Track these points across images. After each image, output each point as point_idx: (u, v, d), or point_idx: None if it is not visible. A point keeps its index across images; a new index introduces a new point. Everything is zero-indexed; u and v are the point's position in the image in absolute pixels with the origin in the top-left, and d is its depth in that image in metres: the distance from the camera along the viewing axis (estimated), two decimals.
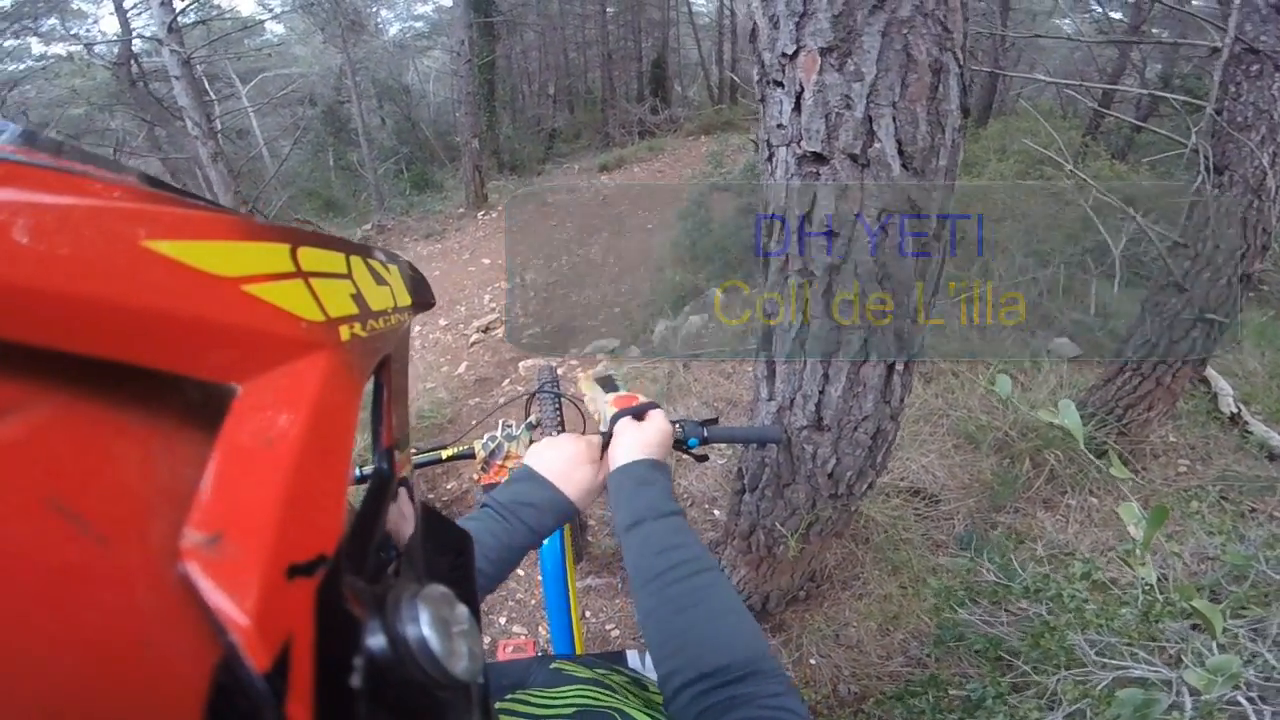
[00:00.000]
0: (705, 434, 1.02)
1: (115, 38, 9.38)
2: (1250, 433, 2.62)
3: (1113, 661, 1.09)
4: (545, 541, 1.19)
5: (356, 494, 0.26)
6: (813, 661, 1.71)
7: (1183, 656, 1.01)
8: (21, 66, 10.31)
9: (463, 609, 0.25)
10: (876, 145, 0.93)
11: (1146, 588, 1.04)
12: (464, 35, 8.64)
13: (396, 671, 0.21)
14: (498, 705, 0.47)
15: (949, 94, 0.92)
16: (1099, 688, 1.04)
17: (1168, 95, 2.80)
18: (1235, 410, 2.73)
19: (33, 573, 0.13)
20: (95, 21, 11.78)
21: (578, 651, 1.19)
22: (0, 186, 0.14)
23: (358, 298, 0.24)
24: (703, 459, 1.10)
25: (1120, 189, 4.49)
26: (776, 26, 0.95)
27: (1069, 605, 1.10)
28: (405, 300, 0.29)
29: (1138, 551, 0.92)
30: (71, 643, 0.13)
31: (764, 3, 0.96)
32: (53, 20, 10.01)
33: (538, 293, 5.49)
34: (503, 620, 2.00)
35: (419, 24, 18.31)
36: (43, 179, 0.15)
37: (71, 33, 10.34)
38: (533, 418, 1.13)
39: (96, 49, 9.40)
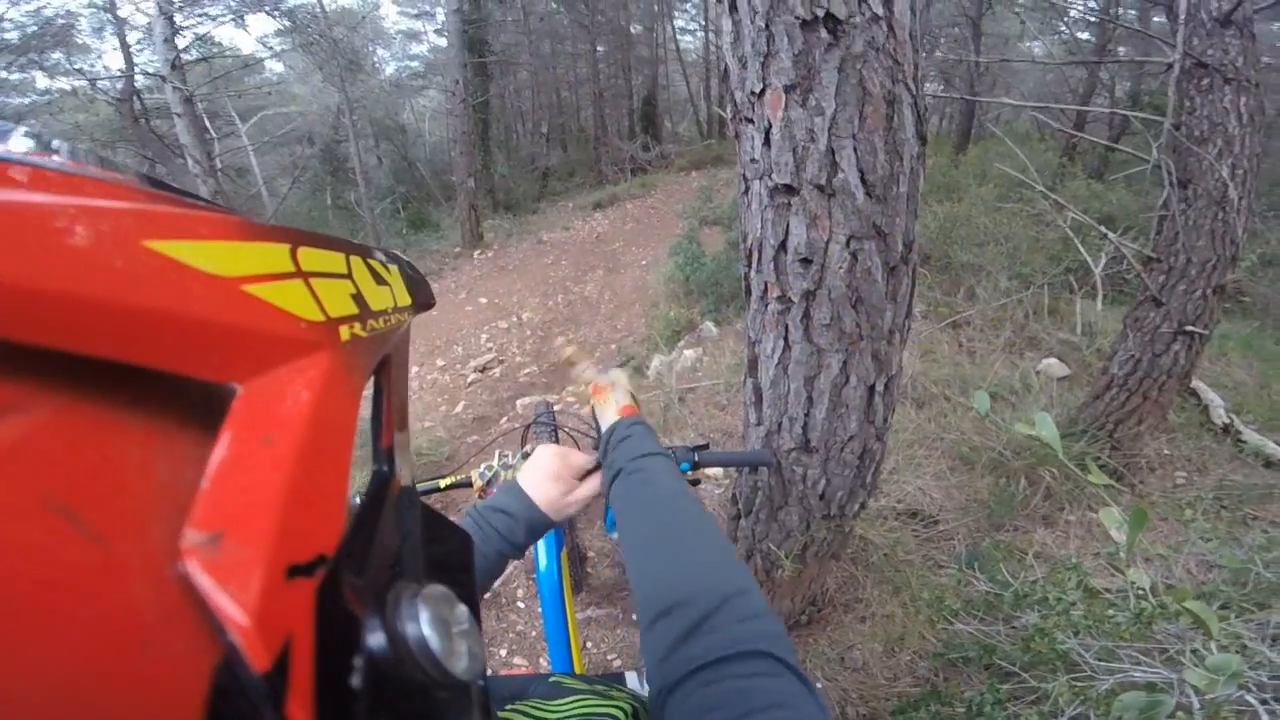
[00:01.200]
0: (696, 459, 1.06)
1: (119, 73, 9.55)
2: (1244, 442, 2.64)
3: (1110, 665, 1.09)
4: (543, 567, 1.20)
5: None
6: (819, 685, 1.70)
7: (1181, 658, 1.01)
8: (26, 100, 10.44)
9: (463, 609, 0.26)
10: (840, 175, 0.99)
11: (1139, 592, 1.05)
12: (458, 75, 8.82)
13: (396, 671, 0.21)
14: (500, 713, 0.48)
15: (904, 123, 0.98)
16: (1098, 691, 1.05)
17: (1130, 113, 2.90)
18: (1227, 421, 2.76)
19: (32, 573, 0.13)
20: (100, 56, 11.85)
21: (578, 672, 1.20)
22: (0, 187, 0.14)
23: (358, 298, 0.24)
24: (695, 484, 1.13)
25: (1099, 208, 4.60)
26: (745, 66, 1.01)
27: (1056, 608, 1.11)
28: (405, 300, 0.29)
29: (1122, 554, 0.95)
30: (71, 643, 0.13)
31: (733, 45, 1.03)
32: (58, 54, 10.03)
33: (534, 331, 5.54)
34: (503, 652, 1.99)
35: (415, 64, 18.85)
36: (43, 179, 0.15)
37: (76, 67, 10.35)
38: (528, 447, 1.16)
39: (100, 84, 9.48)
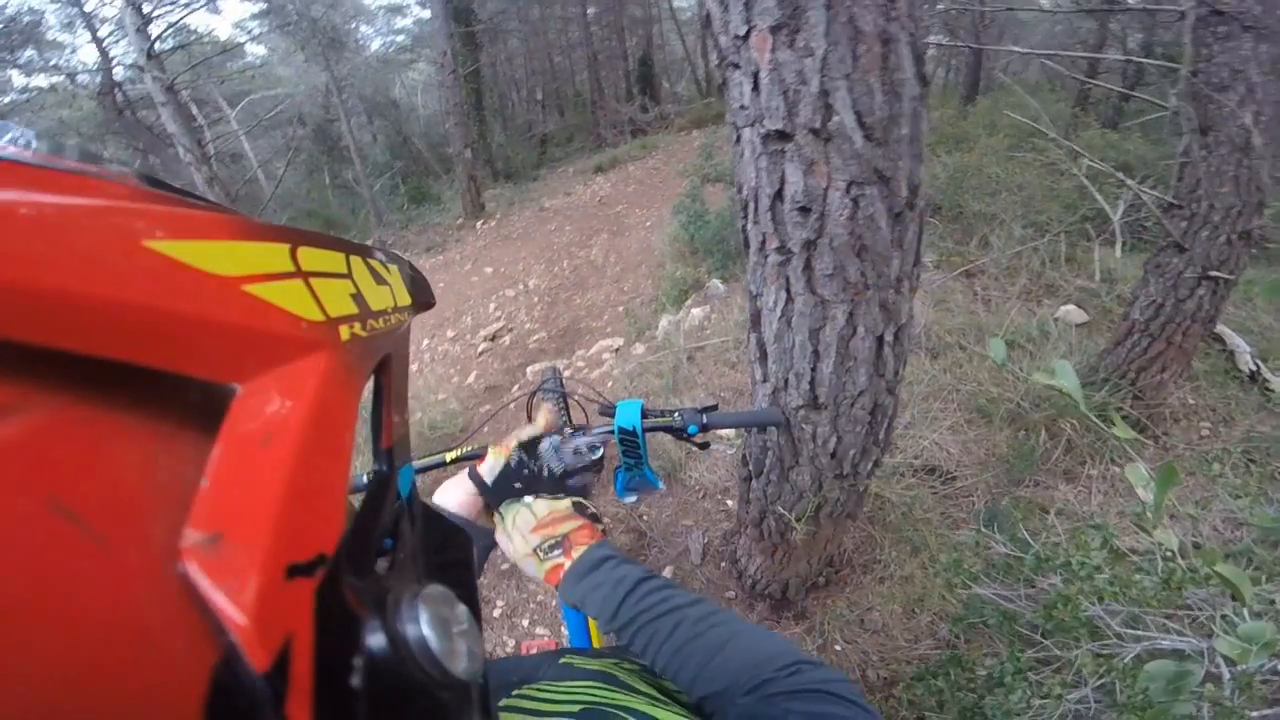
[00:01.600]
0: (704, 420, 1.03)
1: (96, 67, 9.55)
2: (1272, 390, 2.57)
3: (1137, 632, 1.06)
4: None
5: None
6: (838, 648, 1.70)
7: (1211, 625, 0.97)
8: (6, 99, 10.48)
9: (463, 609, 0.25)
10: (836, 118, 0.93)
11: (1167, 554, 1.01)
12: (446, 46, 8.72)
13: (396, 671, 0.21)
14: (503, 702, 0.47)
15: (901, 63, 0.92)
16: (1124, 660, 1.01)
17: (1145, 60, 2.79)
18: (1254, 368, 2.69)
19: (33, 573, 0.13)
20: (74, 51, 11.95)
21: (595, 647, 1.19)
22: (2, 187, 0.14)
23: (358, 297, 0.24)
24: (704, 446, 1.11)
25: (1115, 157, 4.46)
26: (727, 9, 0.95)
27: (1079, 573, 1.07)
28: (405, 300, 0.29)
29: (1149, 514, 0.91)
30: (71, 642, 0.13)
31: None
32: (30, 51, 10.08)
33: (541, 298, 5.50)
34: (525, 623, 2.00)
35: (400, 38, 18.47)
36: (43, 178, 0.15)
37: (51, 63, 10.41)
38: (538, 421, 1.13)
39: (79, 79, 9.48)
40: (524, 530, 0.66)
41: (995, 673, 1.15)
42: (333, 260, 0.24)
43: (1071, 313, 3.04)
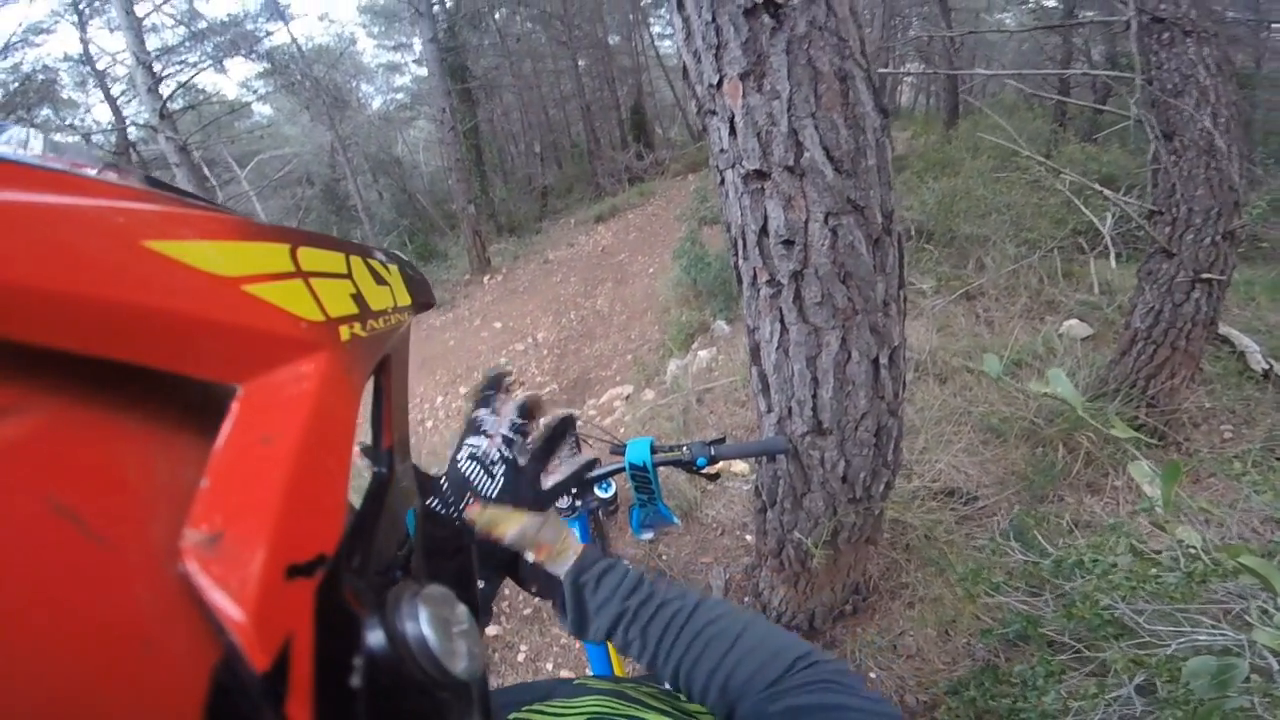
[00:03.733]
0: (712, 452, 1.06)
1: (110, 126, 9.68)
2: None
3: (1170, 629, 1.04)
4: None
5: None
6: (873, 675, 1.67)
7: (1247, 617, 0.96)
8: None
9: (462, 609, 0.25)
10: (806, 155, 1.00)
11: (1189, 550, 1.01)
12: (444, 103, 8.89)
13: (396, 670, 0.21)
14: (512, 717, 0.47)
15: (860, 98, 1.00)
16: (1156, 658, 1.00)
17: (1096, 73, 2.90)
18: (1267, 366, 2.67)
19: (33, 573, 0.13)
20: (87, 110, 12.00)
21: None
22: (2, 187, 0.14)
23: (358, 298, 0.24)
24: (714, 478, 1.13)
25: (1097, 170, 4.54)
26: (700, 61, 1.04)
27: (1094, 570, 1.07)
28: (405, 300, 0.29)
29: (1159, 510, 0.91)
30: (71, 642, 0.13)
31: (686, 41, 1.06)
32: (46, 110, 10.16)
33: (551, 350, 5.57)
34: (550, 666, 1.99)
35: (400, 95, 19.02)
36: (45, 179, 0.15)
37: (67, 123, 10.46)
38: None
39: (95, 138, 9.60)
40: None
41: (1028, 677, 1.14)
42: (333, 260, 0.23)
43: (1075, 327, 3.07)
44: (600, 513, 1.92)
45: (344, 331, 0.22)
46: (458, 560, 0.33)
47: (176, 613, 0.15)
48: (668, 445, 1.11)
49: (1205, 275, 2.09)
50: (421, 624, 0.22)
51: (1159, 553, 1.15)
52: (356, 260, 0.26)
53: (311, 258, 0.22)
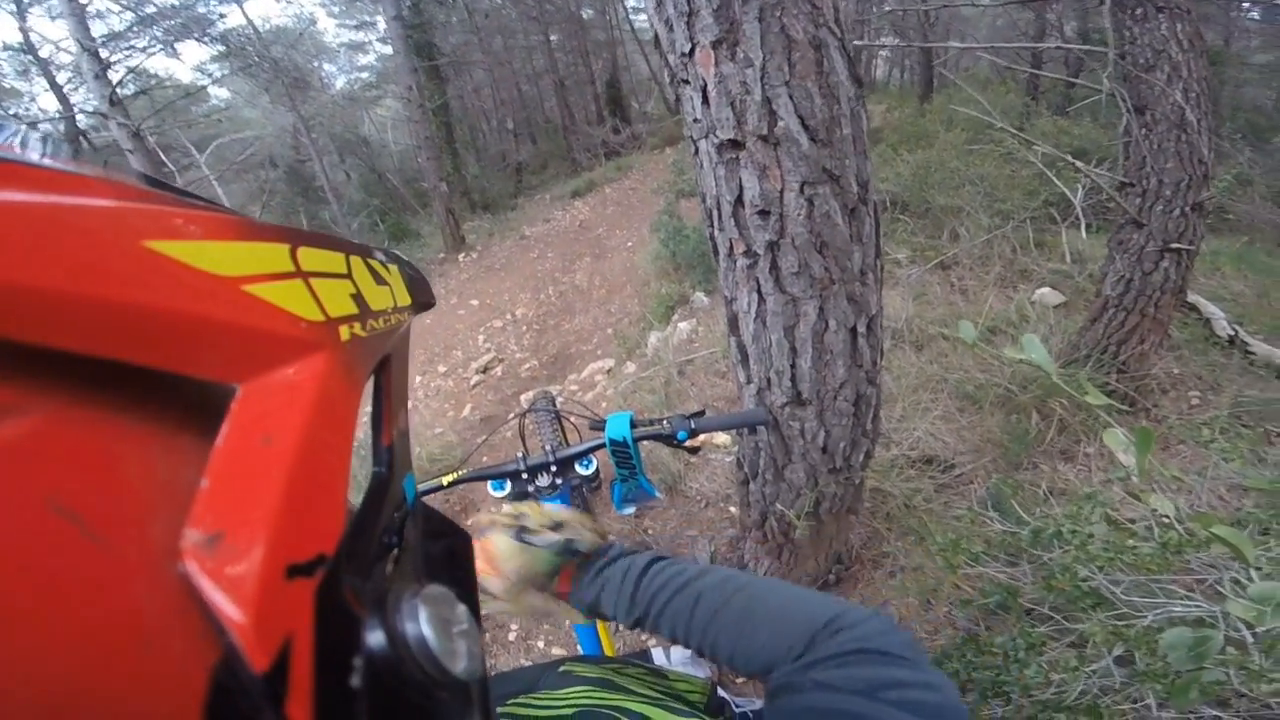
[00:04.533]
0: (692, 425, 1.05)
1: (57, 114, 9.39)
2: (1253, 354, 2.63)
3: (1147, 600, 1.05)
4: None
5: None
6: None
7: (1221, 588, 0.96)
8: None
9: (462, 609, 0.25)
10: (781, 124, 0.98)
11: (1163, 519, 1.01)
12: (411, 81, 8.73)
13: (396, 671, 0.21)
14: (500, 710, 0.47)
15: (835, 67, 0.98)
16: (1134, 629, 1.00)
17: (1070, 46, 2.93)
18: (1232, 332, 2.75)
19: (33, 573, 0.13)
20: (32, 99, 11.62)
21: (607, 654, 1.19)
22: (2, 187, 0.14)
23: (357, 297, 0.24)
24: (695, 451, 1.13)
25: (1069, 143, 4.61)
26: (671, 29, 1.01)
27: (1073, 542, 1.08)
28: (405, 300, 0.29)
29: (1134, 478, 0.92)
30: (71, 642, 0.13)
31: (657, 8, 1.03)
32: None
33: (530, 326, 5.52)
34: (541, 644, 2.00)
35: (365, 74, 18.39)
36: (44, 179, 0.15)
37: (10, 112, 10.17)
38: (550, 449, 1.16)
39: (41, 127, 9.35)
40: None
41: (1009, 649, 1.16)
42: (333, 260, 0.23)
43: (1047, 295, 3.12)
44: (584, 489, 1.92)
45: (344, 331, 0.22)
46: (458, 560, 0.33)
47: (176, 613, 0.15)
48: (648, 419, 1.10)
49: (1174, 245, 2.13)
50: (421, 624, 0.22)
51: (1133, 521, 1.16)
52: (356, 260, 0.25)
53: (311, 257, 0.22)
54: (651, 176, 9.95)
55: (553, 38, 15.31)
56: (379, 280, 0.27)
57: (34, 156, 0.17)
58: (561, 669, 0.58)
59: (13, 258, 0.13)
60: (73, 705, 0.13)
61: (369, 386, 0.26)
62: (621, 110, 15.75)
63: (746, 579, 0.56)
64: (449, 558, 0.32)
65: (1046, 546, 1.20)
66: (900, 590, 1.77)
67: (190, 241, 0.17)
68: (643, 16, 18.53)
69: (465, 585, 0.29)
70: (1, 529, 0.13)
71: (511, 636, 2.04)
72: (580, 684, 0.54)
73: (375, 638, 0.21)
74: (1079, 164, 2.27)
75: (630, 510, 1.14)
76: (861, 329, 1.21)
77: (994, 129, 3.08)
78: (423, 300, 0.32)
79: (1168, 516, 1.00)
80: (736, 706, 0.66)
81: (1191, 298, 2.85)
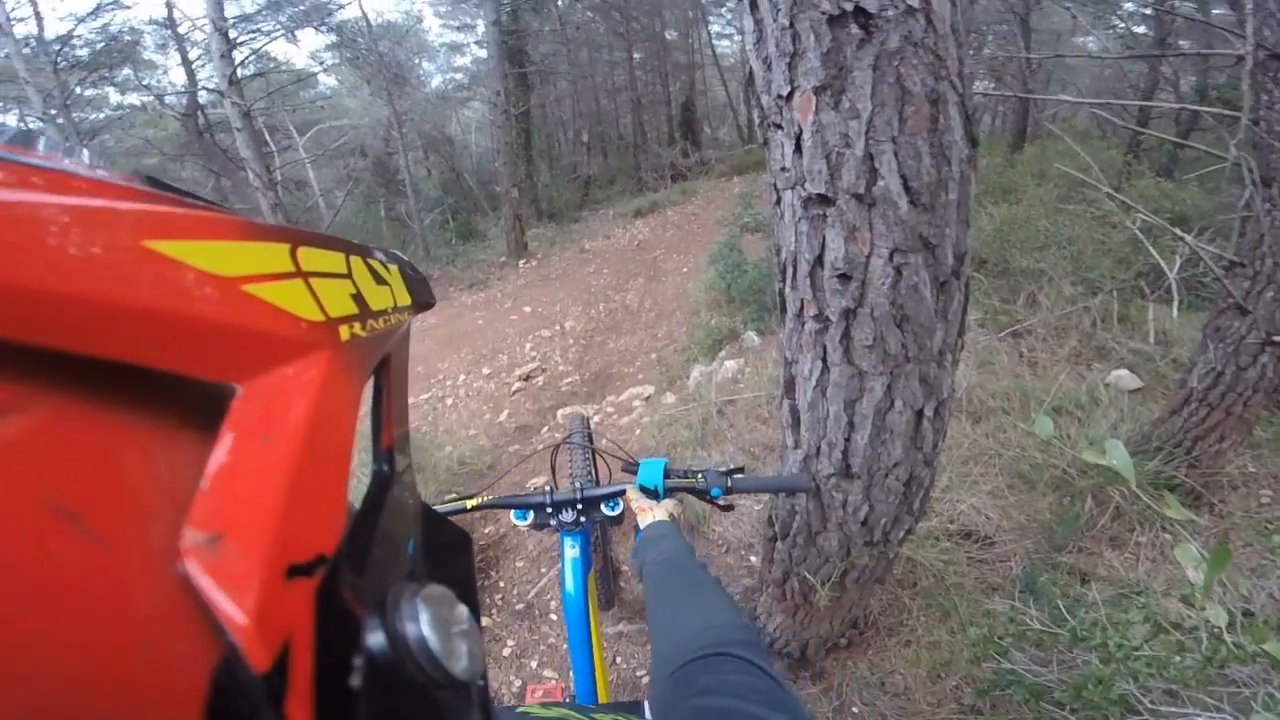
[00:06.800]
0: (729, 484, 1.01)
1: (183, 89, 10.11)
2: None
3: (1172, 710, 0.99)
4: (569, 589, 1.17)
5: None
6: (855, 709, 1.63)
7: (1254, 703, 0.92)
8: (101, 115, 11.11)
9: (462, 609, 0.25)
10: (880, 183, 0.90)
11: (1214, 630, 0.94)
12: (499, 86, 8.99)
13: (396, 671, 0.21)
14: None
15: (950, 124, 0.89)
16: None
17: (1201, 109, 2.71)
18: None
19: (32, 573, 0.13)
20: (165, 72, 12.55)
21: (601, 700, 1.16)
22: (2, 187, 0.14)
23: (358, 297, 0.24)
24: (728, 509, 1.09)
25: (1170, 208, 4.31)
26: (770, 69, 0.93)
27: (1116, 655, 1.00)
28: (405, 300, 0.29)
29: (1198, 595, 0.85)
30: (71, 643, 0.13)
31: (756, 45, 0.95)
32: (127, 70, 10.65)
33: (576, 340, 5.56)
34: (534, 664, 1.97)
35: (459, 75, 19.17)
36: (44, 179, 0.15)
37: (144, 83, 10.98)
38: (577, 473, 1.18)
39: (167, 99, 10.04)
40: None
41: None
42: (333, 260, 0.24)
43: (1124, 378, 2.91)
44: (605, 524, 1.89)
45: (344, 331, 0.22)
46: (458, 560, 0.33)
47: (176, 613, 0.15)
48: (683, 470, 1.07)
49: (1278, 338, 1.94)
50: (422, 625, 0.22)
51: (1178, 627, 1.08)
52: (356, 260, 0.25)
53: (311, 257, 0.22)
54: (714, 204, 9.93)
55: (635, 55, 15.61)
56: (379, 280, 0.27)
57: (35, 157, 0.17)
58: (519, 710, 0.60)
59: (12, 258, 0.13)
60: (72, 705, 0.13)
61: (369, 386, 0.26)
62: (693, 134, 15.87)
63: (690, 580, 0.76)
64: (449, 558, 0.32)
65: (1085, 650, 1.12)
66: (912, 661, 1.69)
67: (190, 241, 0.17)
68: (726, 43, 18.74)
69: (465, 585, 0.29)
70: (1, 529, 0.13)
71: (506, 652, 2.02)
72: None
73: (375, 638, 0.21)
74: (1185, 236, 2.09)
75: None
76: (929, 413, 1.11)
77: (1089, 188, 2.91)
78: (423, 300, 0.31)
79: (1219, 627, 0.92)
80: None
81: None
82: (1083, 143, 5.02)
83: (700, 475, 1.04)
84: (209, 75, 9.73)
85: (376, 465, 0.28)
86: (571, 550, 1.18)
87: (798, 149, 0.95)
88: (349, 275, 0.24)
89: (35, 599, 0.13)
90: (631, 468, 1.10)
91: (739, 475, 1.03)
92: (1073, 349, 3.17)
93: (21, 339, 0.13)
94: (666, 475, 1.05)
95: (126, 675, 0.14)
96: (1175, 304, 2.59)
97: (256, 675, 0.16)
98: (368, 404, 0.26)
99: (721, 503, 1.06)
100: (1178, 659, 0.98)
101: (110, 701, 0.14)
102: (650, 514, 1.01)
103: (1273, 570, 1.49)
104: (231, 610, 0.16)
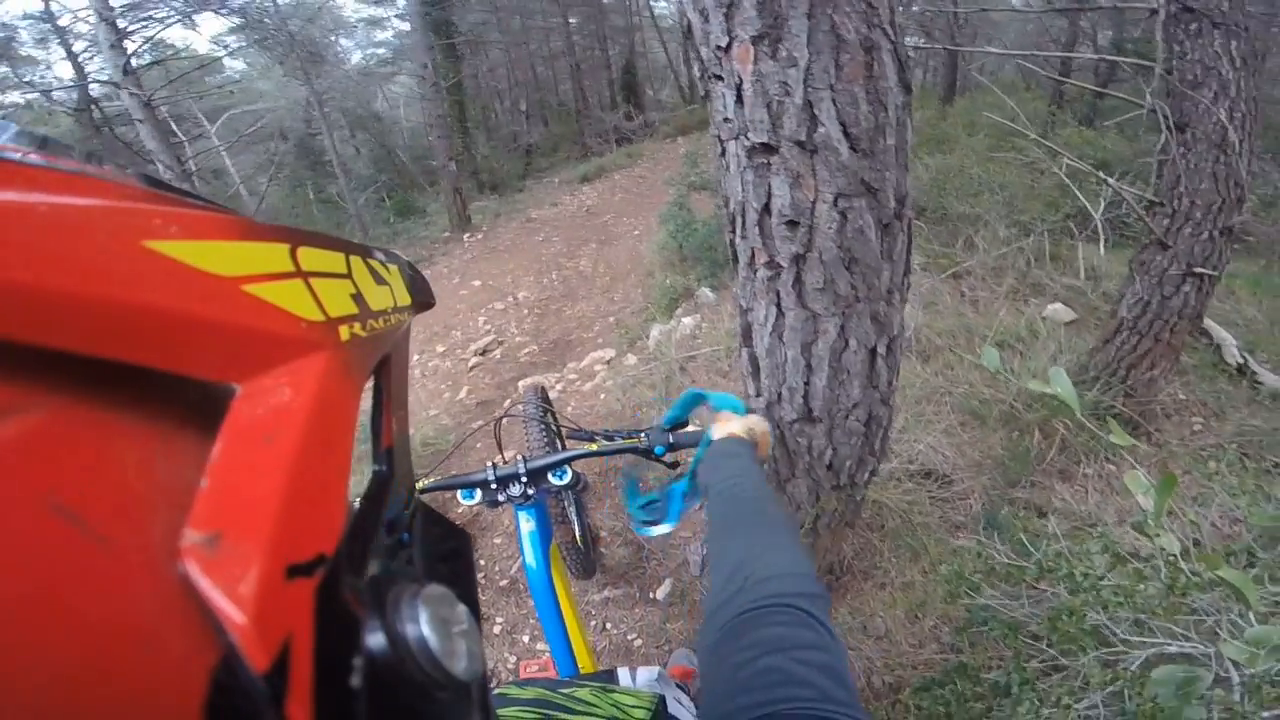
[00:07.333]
0: (672, 439, 1.00)
1: (71, 83, 9.40)
2: (1260, 383, 2.60)
3: (1143, 639, 1.05)
4: (530, 564, 1.16)
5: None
6: None
7: (1219, 629, 0.97)
8: None
9: (462, 609, 0.25)
10: (821, 130, 0.91)
11: (1170, 559, 1.00)
12: (426, 59, 8.67)
13: (396, 671, 0.21)
14: None
15: (885, 71, 0.91)
16: (1131, 667, 1.00)
17: (1119, 59, 2.84)
18: (1241, 360, 2.72)
19: (33, 573, 0.13)
20: (49, 67, 11.73)
21: (583, 670, 1.17)
22: (2, 187, 0.14)
23: (357, 297, 0.24)
24: (674, 466, 1.08)
25: (1093, 154, 4.52)
26: (707, 20, 0.93)
27: (1083, 585, 1.06)
28: (405, 300, 0.29)
29: (1150, 522, 0.90)
30: (70, 642, 0.13)
31: None
32: (3, 67, 9.99)
33: (531, 310, 5.47)
34: (526, 639, 1.98)
35: (381, 50, 18.25)
36: (43, 179, 0.15)
37: (26, 79, 10.24)
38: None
39: (56, 95, 9.34)
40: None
41: (1001, 682, 1.14)
42: (333, 260, 0.23)
43: (1059, 311, 3.07)
44: (569, 495, 1.87)
45: (344, 331, 0.22)
46: (458, 560, 0.33)
47: (176, 613, 0.15)
48: (625, 430, 1.06)
49: (1198, 269, 2.08)
50: (422, 624, 0.22)
51: (1136, 556, 1.15)
52: (356, 260, 0.25)
53: (311, 257, 0.22)
54: (662, 165, 9.85)
55: (571, 20, 15.13)
56: (379, 280, 0.27)
57: (35, 157, 0.17)
58: (497, 691, 0.61)
59: (13, 258, 0.13)
60: (73, 705, 0.13)
61: (369, 386, 0.26)
62: (636, 97, 15.61)
63: (758, 516, 0.70)
64: (449, 557, 0.32)
65: (1053, 582, 1.18)
66: (889, 604, 1.75)
67: (190, 241, 0.17)
68: (663, 3, 18.33)
69: (465, 585, 0.29)
70: (1, 529, 0.13)
71: (496, 630, 2.02)
72: (515, 705, 0.55)
73: (375, 638, 0.21)
74: (1109, 179, 2.20)
75: (652, 532, 1.07)
76: (882, 350, 1.15)
77: (1018, 137, 3.01)
78: (423, 300, 0.32)
79: (1174, 555, 0.99)
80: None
81: (1205, 323, 2.81)
82: (1010, 94, 5.19)
83: (643, 434, 1.03)
84: (99, 68, 9.03)
85: (376, 465, 0.28)
86: (527, 524, 1.16)
87: (739, 99, 0.95)
88: (349, 275, 0.24)
89: (36, 599, 0.13)
90: (580, 435, 1.10)
91: (683, 430, 1.02)
92: (1010, 287, 3.32)
93: (22, 339, 0.13)
94: (608, 437, 1.03)
95: (126, 675, 0.14)
96: (1102, 242, 2.73)
97: (256, 675, 0.16)
98: (368, 404, 0.26)
99: (668, 459, 1.05)
100: (1141, 587, 1.04)
101: (110, 701, 0.14)
102: (726, 425, 0.94)
103: (1212, 498, 1.60)
104: (231, 610, 0.16)
